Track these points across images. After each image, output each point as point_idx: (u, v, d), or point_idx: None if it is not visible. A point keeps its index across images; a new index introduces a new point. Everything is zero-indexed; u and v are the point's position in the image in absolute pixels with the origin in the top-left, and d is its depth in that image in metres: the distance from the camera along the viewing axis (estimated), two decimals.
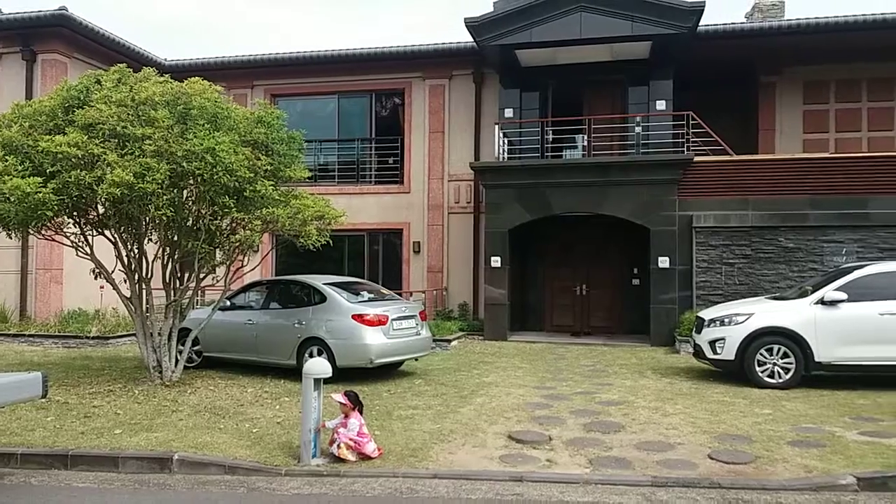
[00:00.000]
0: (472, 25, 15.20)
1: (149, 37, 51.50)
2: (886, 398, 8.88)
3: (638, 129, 15.64)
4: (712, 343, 10.16)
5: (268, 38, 52.28)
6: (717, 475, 5.88)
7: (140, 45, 17.23)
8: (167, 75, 9.61)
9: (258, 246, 9.98)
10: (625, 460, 6.31)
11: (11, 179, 8.22)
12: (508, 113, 16.42)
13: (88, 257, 9.66)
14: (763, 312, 10.02)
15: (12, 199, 8.27)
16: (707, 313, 10.78)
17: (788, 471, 5.99)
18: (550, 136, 16.50)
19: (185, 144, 8.50)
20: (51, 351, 13.08)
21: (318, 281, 10.81)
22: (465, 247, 17.33)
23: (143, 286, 9.88)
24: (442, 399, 8.89)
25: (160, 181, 8.34)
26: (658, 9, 14.29)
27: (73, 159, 8.33)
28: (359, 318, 9.91)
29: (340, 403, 6.49)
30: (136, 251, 9.76)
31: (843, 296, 9.55)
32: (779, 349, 9.66)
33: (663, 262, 14.52)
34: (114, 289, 9.85)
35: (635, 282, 16.32)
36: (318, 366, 6.47)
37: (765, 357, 9.71)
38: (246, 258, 10.65)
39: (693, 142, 14.89)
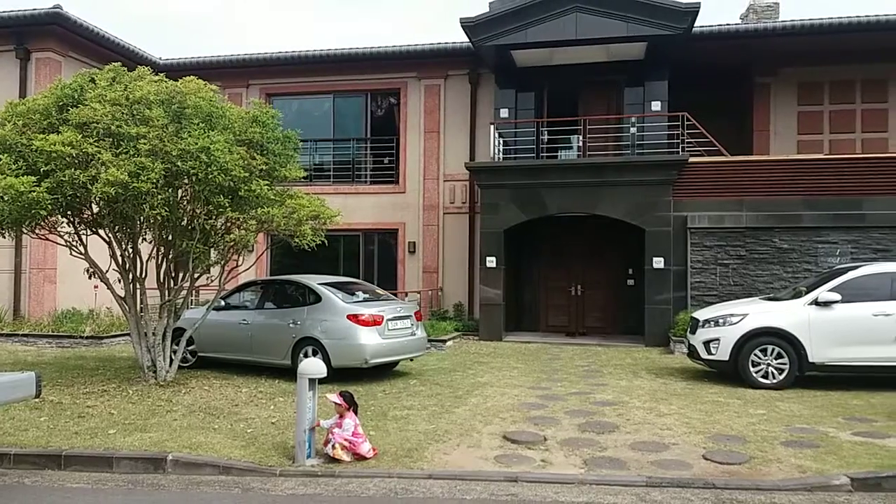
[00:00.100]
0: (468, 26, 15.20)
1: (147, 36, 51.41)
2: (880, 399, 8.92)
3: (633, 130, 15.66)
4: (707, 343, 10.19)
5: (263, 37, 52.23)
6: (711, 475, 5.90)
7: (135, 44, 17.17)
8: (162, 74, 9.59)
9: (253, 246, 9.97)
10: (619, 461, 6.32)
11: (5, 178, 8.18)
12: (504, 113, 16.43)
13: (82, 257, 9.63)
14: (757, 313, 10.05)
15: (6, 198, 8.22)
16: (702, 314, 10.81)
17: (782, 471, 6.01)
18: (546, 137, 16.53)
19: (180, 144, 8.47)
20: (45, 350, 13.03)
21: (313, 281, 10.80)
22: (461, 247, 17.33)
23: (138, 286, 9.85)
24: (437, 399, 8.89)
25: (155, 180, 8.32)
26: (653, 10, 14.32)
27: (67, 158, 8.30)
28: (354, 318, 9.90)
29: (335, 404, 6.49)
30: (130, 251, 9.73)
31: (837, 297, 9.58)
32: (773, 350, 9.69)
33: (658, 262, 14.55)
34: (108, 288, 9.81)
35: (630, 282, 16.34)
36: (312, 366, 6.46)
37: (759, 357, 9.74)
38: (241, 258, 10.64)
39: (688, 142, 14.92)
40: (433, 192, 17.61)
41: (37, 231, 9.44)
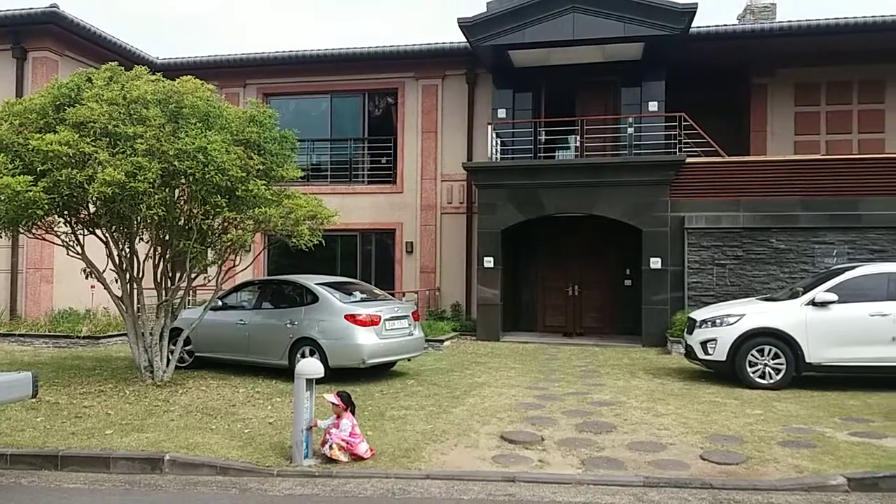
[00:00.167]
0: (465, 26, 15.21)
1: (146, 36, 51.34)
2: (876, 399, 8.94)
3: (630, 130, 15.68)
4: (704, 344, 10.20)
5: (263, 37, 52.19)
6: (708, 475, 5.90)
7: (132, 44, 17.15)
8: (159, 74, 9.59)
9: (250, 246, 9.96)
10: (617, 461, 6.33)
11: (1, 178, 8.17)
12: (501, 113, 16.43)
13: (79, 256, 9.61)
14: (754, 313, 10.06)
15: (2, 198, 8.22)
16: (699, 314, 10.82)
17: (779, 471, 6.02)
18: (543, 137, 16.53)
19: (177, 143, 8.47)
20: (41, 351, 13.00)
21: (310, 281, 10.79)
22: (458, 247, 17.33)
23: (135, 286, 9.83)
24: (434, 399, 8.89)
25: (152, 180, 8.31)
26: (650, 10, 14.33)
27: (63, 158, 8.29)
28: (351, 318, 9.89)
29: (333, 404, 6.48)
30: (127, 250, 9.72)
31: (834, 297, 9.60)
32: (770, 350, 9.71)
33: (655, 262, 14.57)
34: (105, 288, 9.80)
35: (627, 282, 16.36)
36: (310, 366, 6.45)
37: (756, 358, 9.75)
38: (238, 258, 10.63)
39: (685, 143, 14.94)
40: (430, 192, 17.61)
41: (33, 231, 9.41)
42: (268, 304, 11.00)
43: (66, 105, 8.92)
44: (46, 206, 8.47)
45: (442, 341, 14.11)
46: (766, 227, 14.00)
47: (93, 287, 11.57)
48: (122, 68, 9.59)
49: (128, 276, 9.76)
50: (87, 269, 9.70)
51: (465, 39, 15.65)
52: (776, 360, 9.67)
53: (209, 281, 10.44)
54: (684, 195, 14.59)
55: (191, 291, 12.15)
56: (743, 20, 18.05)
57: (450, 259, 17.41)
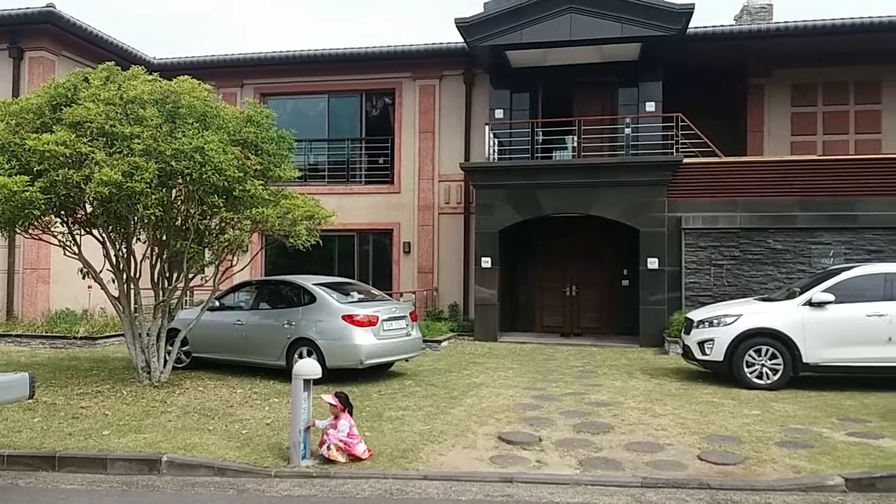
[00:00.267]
0: (463, 26, 15.20)
1: (146, 36, 51.26)
2: (873, 399, 8.96)
3: (627, 131, 15.69)
4: (701, 344, 10.21)
5: (263, 37, 52.14)
6: (706, 476, 5.91)
7: (129, 44, 17.12)
8: (156, 74, 9.57)
9: (247, 246, 9.94)
10: (614, 461, 6.33)
11: None
12: (499, 113, 16.42)
13: (76, 257, 9.59)
14: (751, 314, 10.07)
15: None
16: (696, 314, 10.83)
17: (777, 471, 6.03)
18: (540, 137, 16.54)
19: (174, 143, 8.45)
20: (38, 351, 12.97)
21: (307, 281, 10.78)
22: (456, 247, 17.33)
23: (132, 286, 9.82)
24: (432, 400, 8.88)
25: (149, 180, 8.30)
26: (647, 11, 14.35)
27: (60, 158, 8.27)
28: (349, 318, 9.88)
29: (330, 405, 6.48)
30: (124, 251, 9.70)
31: (831, 297, 9.62)
32: (767, 350, 9.72)
33: (653, 263, 14.58)
34: (102, 289, 9.78)
35: (625, 283, 16.36)
36: (307, 367, 6.45)
37: (753, 358, 9.76)
38: (235, 258, 10.61)
39: (682, 143, 14.95)
40: (428, 192, 17.60)
41: (30, 231, 9.40)
42: (265, 305, 10.98)
43: (63, 105, 8.90)
44: (43, 206, 8.46)
45: (440, 342, 14.11)
46: (763, 227, 14.03)
47: (90, 287, 11.55)
48: (119, 68, 9.57)
49: (125, 276, 9.74)
50: (84, 270, 9.68)
51: (462, 40, 15.64)
52: (773, 361, 9.69)
53: (206, 281, 10.44)
54: (681, 195, 14.61)
55: (188, 292, 12.16)
56: (740, 21, 18.09)
57: (447, 259, 17.40)
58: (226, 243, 9.68)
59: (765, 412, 8.23)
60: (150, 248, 9.79)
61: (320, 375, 6.55)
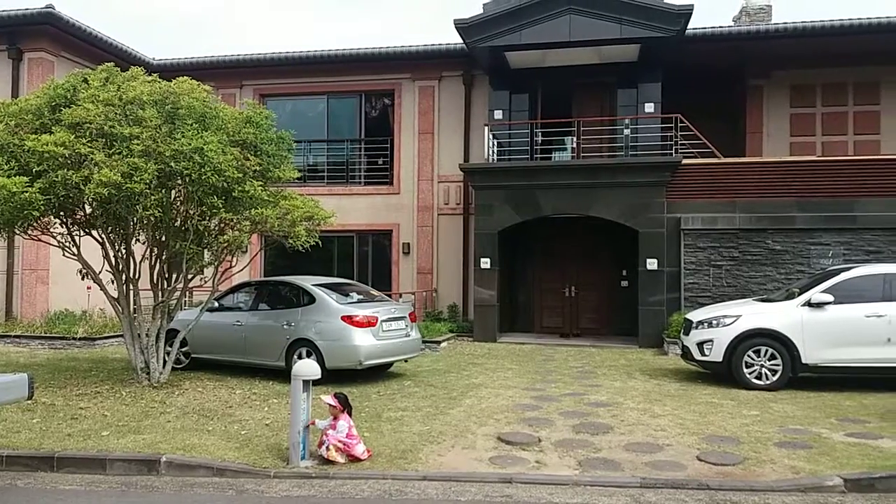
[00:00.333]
0: (462, 27, 15.21)
1: (145, 36, 51.26)
2: (872, 399, 8.96)
3: (626, 132, 15.69)
4: (700, 345, 10.22)
5: (263, 37, 52.15)
6: (705, 476, 5.91)
7: (128, 44, 17.12)
8: (155, 75, 9.56)
9: (247, 247, 9.95)
10: (614, 462, 6.33)
11: None
12: (498, 114, 16.43)
13: (75, 258, 9.59)
14: (751, 314, 10.08)
15: None
16: (695, 315, 10.84)
17: (776, 472, 6.03)
18: (540, 138, 16.55)
19: (174, 144, 8.45)
20: (37, 352, 12.97)
21: (307, 282, 10.78)
22: (455, 248, 17.33)
23: (131, 287, 9.82)
24: (431, 401, 8.88)
25: (148, 181, 8.30)
26: (646, 12, 14.36)
27: (59, 159, 8.27)
28: (348, 319, 9.88)
29: (330, 405, 6.48)
30: (123, 251, 9.70)
31: (830, 298, 9.62)
32: (766, 351, 9.72)
33: (652, 263, 14.58)
34: (101, 289, 9.78)
35: (624, 283, 16.37)
36: (306, 367, 6.45)
37: (752, 359, 9.77)
38: (234, 259, 10.61)
39: (681, 144, 14.96)
40: (427, 193, 17.61)
41: (29, 232, 9.39)
42: (264, 306, 10.98)
43: (62, 106, 8.90)
44: (42, 207, 8.45)
45: (439, 342, 14.11)
46: (762, 228, 14.04)
47: (89, 288, 11.53)
48: (119, 69, 9.57)
49: (124, 277, 9.74)
50: (83, 271, 9.68)
51: (461, 41, 15.65)
52: (772, 361, 9.69)
53: (206, 282, 10.43)
54: (680, 196, 14.62)
55: (187, 293, 12.15)
56: (739, 22, 18.11)
57: (447, 260, 17.41)
58: (225, 244, 9.68)
59: (764, 413, 8.24)
60: (149, 249, 9.79)
61: (319, 376, 6.56)
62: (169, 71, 16.44)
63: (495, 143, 16.09)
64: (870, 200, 13.69)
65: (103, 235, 9.53)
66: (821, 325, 9.58)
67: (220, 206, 8.97)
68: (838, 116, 16.57)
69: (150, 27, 52.71)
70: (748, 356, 9.78)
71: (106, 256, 9.69)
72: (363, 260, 18.09)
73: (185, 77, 9.47)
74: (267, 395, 9.24)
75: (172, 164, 8.42)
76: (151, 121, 8.54)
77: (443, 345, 14.22)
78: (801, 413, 8.24)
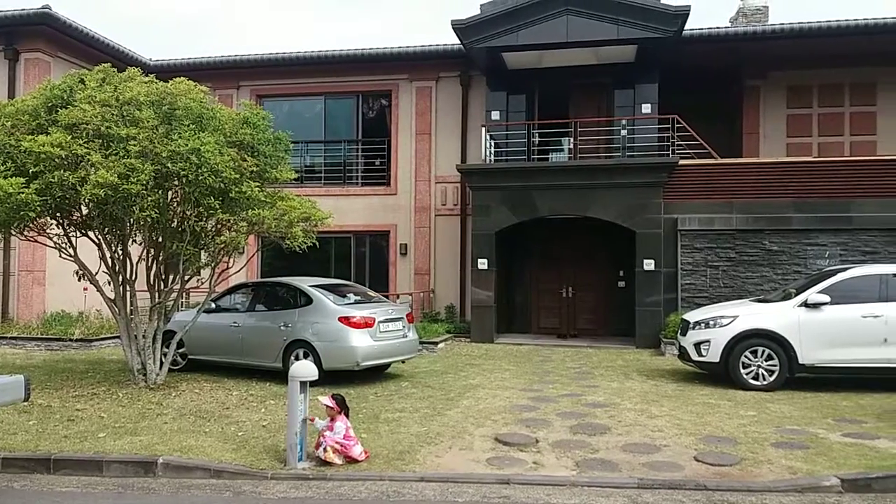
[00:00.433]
0: (459, 28, 15.21)
1: (144, 37, 51.18)
2: (869, 400, 8.98)
3: (623, 132, 15.70)
4: (697, 345, 10.23)
5: (263, 37, 52.12)
6: (702, 477, 5.92)
7: (125, 45, 17.10)
8: (152, 75, 9.54)
9: (244, 248, 9.93)
10: (611, 462, 6.33)
11: None
12: (495, 115, 16.43)
13: (72, 259, 9.57)
14: (747, 315, 10.09)
15: None
16: (692, 315, 10.85)
17: (773, 472, 6.04)
18: (537, 139, 16.54)
19: (170, 145, 8.44)
20: (33, 353, 12.94)
21: (304, 283, 10.77)
22: (452, 249, 17.33)
23: (128, 288, 9.80)
24: (429, 402, 8.88)
25: (145, 182, 8.28)
26: (643, 13, 14.37)
27: (56, 159, 8.25)
28: (345, 320, 9.88)
29: (327, 406, 6.47)
30: (120, 253, 9.68)
31: (827, 298, 9.64)
32: (763, 351, 9.74)
33: (648, 264, 14.59)
34: (98, 291, 9.75)
35: (621, 284, 16.39)
36: (304, 368, 6.44)
37: (749, 359, 9.78)
38: (231, 260, 10.59)
39: (678, 145, 14.98)
40: (424, 193, 17.60)
41: (25, 233, 9.38)
42: (261, 307, 10.97)
43: (59, 106, 8.88)
44: (39, 207, 8.43)
45: (436, 343, 14.11)
46: (758, 228, 14.06)
47: (85, 289, 11.50)
48: (115, 70, 9.55)
49: (120, 278, 9.72)
50: (80, 272, 9.66)
51: (458, 41, 15.65)
52: (769, 362, 9.70)
53: (202, 283, 10.41)
54: (677, 197, 14.63)
55: (184, 294, 12.12)
56: (735, 23, 18.13)
57: (444, 261, 17.40)
58: (222, 245, 9.66)
59: (761, 413, 8.25)
60: (146, 250, 9.78)
61: (317, 377, 6.55)
62: (166, 72, 16.40)
63: (492, 144, 16.09)
64: (866, 201, 13.72)
65: (100, 236, 9.51)
66: (817, 326, 9.60)
67: (217, 206, 8.95)
68: (835, 117, 16.60)
69: (148, 28, 52.70)
70: (745, 357, 9.79)
71: (102, 257, 9.67)
72: (360, 261, 18.08)
73: (182, 78, 9.44)
74: (264, 396, 9.22)
75: (169, 164, 8.41)
76: (148, 121, 8.52)
77: (440, 346, 14.21)
78: (798, 413, 8.26)
